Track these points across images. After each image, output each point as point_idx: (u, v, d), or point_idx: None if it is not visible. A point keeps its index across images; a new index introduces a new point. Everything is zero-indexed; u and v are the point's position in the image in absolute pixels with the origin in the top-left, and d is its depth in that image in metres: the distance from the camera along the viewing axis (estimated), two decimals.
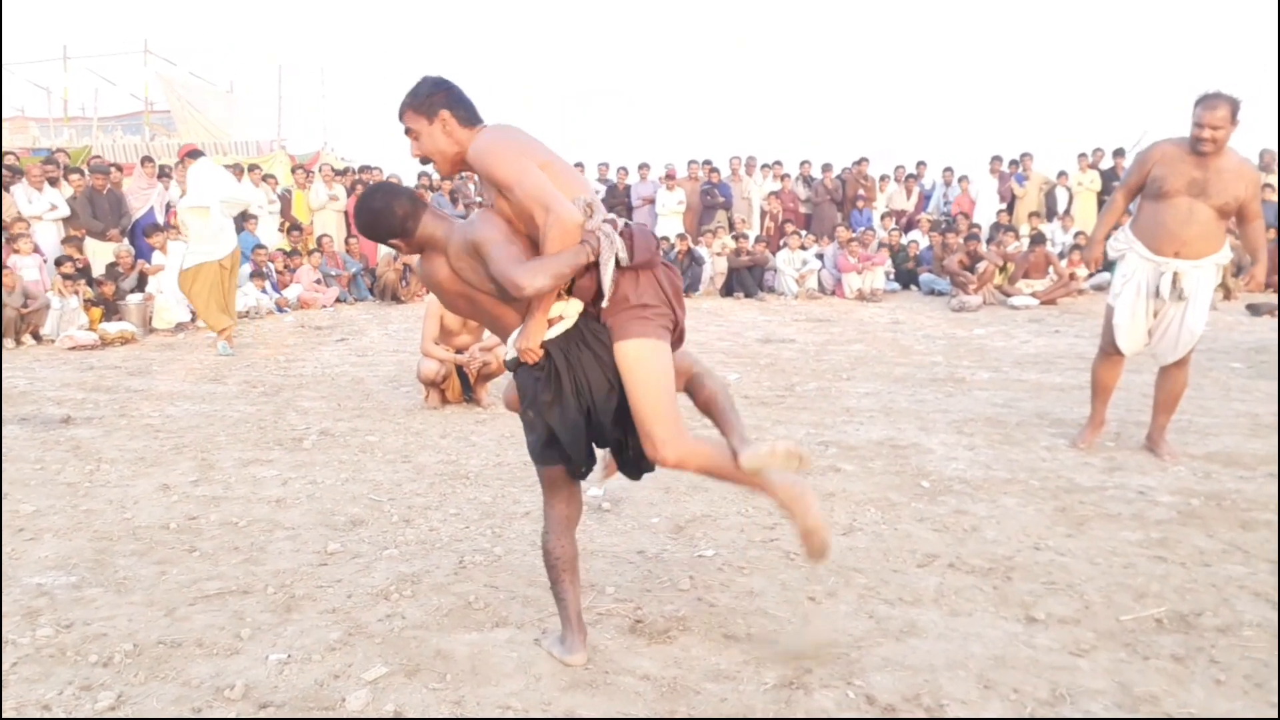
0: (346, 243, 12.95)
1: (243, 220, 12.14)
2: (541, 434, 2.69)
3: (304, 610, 3.16)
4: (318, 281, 12.35)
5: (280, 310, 11.35)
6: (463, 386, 6.20)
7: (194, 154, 8.69)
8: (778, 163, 15.71)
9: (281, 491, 4.50)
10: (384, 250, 12.80)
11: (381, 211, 2.69)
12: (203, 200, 8.17)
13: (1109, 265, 8.32)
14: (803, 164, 15.87)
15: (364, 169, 14.22)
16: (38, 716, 2.54)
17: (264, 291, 11.39)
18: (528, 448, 2.76)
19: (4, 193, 10.20)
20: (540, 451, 2.72)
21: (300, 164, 16.01)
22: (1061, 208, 14.97)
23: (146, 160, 12.22)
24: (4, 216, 9.98)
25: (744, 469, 2.62)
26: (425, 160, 2.75)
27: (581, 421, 2.64)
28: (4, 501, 4.30)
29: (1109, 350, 5.04)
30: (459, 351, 6.10)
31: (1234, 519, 4.00)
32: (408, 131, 2.72)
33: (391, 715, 2.54)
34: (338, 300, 12.38)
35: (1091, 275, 12.63)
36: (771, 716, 2.53)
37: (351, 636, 2.97)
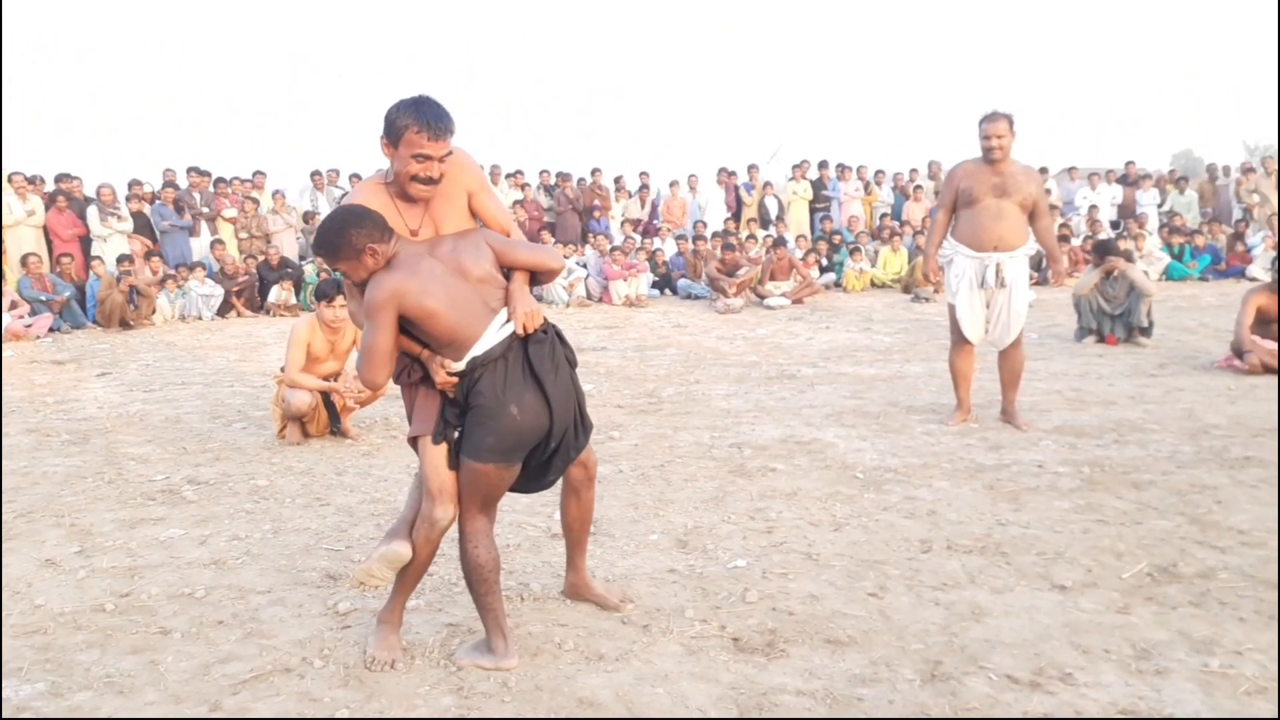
0: (57, 262, 11.23)
1: None
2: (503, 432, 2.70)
3: (379, 681, 2.80)
4: (13, 306, 10.64)
5: None
6: (330, 418, 5.65)
7: None
8: (519, 172, 15.71)
9: (206, 552, 3.90)
10: (107, 270, 11.26)
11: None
12: None
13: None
14: (541, 174, 16.02)
15: (62, 178, 12.37)
16: None
17: None
18: (472, 448, 2.73)
19: None
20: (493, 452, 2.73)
21: None
22: (774, 215, 16.31)
23: None
24: None
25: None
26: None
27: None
28: None
29: (958, 342, 5.76)
30: (327, 379, 5.57)
31: (1125, 481, 4.65)
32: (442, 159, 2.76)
33: None
34: (50, 330, 10.74)
35: (824, 273, 13.90)
36: (961, 717, 2.62)
37: (468, 699, 2.69)
